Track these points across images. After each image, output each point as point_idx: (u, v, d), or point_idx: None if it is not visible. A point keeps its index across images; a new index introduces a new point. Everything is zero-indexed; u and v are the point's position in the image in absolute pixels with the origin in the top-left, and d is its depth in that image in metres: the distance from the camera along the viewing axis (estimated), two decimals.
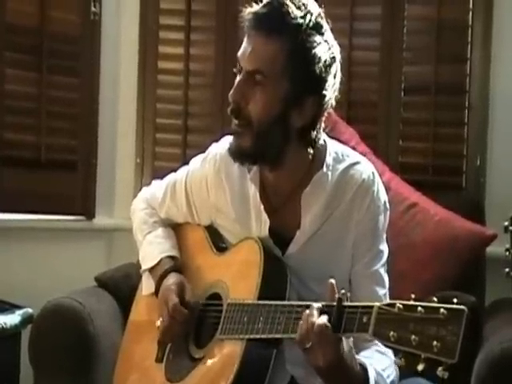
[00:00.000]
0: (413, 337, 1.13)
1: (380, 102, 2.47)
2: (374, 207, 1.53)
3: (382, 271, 1.53)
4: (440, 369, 1.11)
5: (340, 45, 1.49)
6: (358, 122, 2.34)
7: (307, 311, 1.28)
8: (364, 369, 1.32)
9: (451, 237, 2.03)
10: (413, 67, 2.45)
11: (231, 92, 1.46)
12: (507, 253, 1.45)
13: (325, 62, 1.43)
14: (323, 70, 1.43)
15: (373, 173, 1.55)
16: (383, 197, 1.55)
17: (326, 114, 1.50)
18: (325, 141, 1.55)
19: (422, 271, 2.01)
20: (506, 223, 1.45)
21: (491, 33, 2.36)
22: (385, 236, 1.56)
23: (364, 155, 1.64)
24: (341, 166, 1.53)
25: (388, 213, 1.57)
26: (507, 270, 1.44)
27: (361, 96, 2.46)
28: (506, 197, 2.27)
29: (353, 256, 1.52)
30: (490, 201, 2.31)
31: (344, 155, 1.56)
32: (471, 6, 2.38)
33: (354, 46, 2.44)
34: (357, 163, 1.55)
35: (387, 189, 1.63)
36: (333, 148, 1.56)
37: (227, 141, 1.59)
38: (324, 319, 1.25)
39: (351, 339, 1.30)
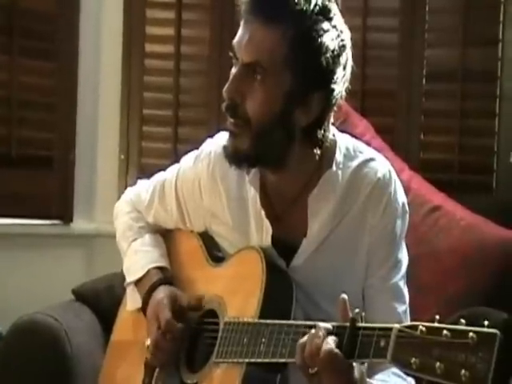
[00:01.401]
0: (438, 364, 1.13)
1: (399, 91, 2.48)
2: (391, 210, 1.52)
3: (402, 284, 1.53)
4: None
5: (353, 26, 1.50)
6: (374, 114, 2.36)
7: (312, 331, 1.28)
8: None
9: (480, 244, 2.04)
10: (436, 50, 2.47)
11: (226, 87, 1.45)
12: None
13: (333, 51, 1.42)
14: (331, 61, 1.42)
15: (389, 171, 1.55)
16: (401, 198, 1.55)
17: (334, 109, 1.50)
18: (334, 135, 1.55)
19: (446, 283, 2.02)
20: None
21: None
22: (404, 243, 1.56)
23: (380, 151, 1.63)
24: (353, 164, 1.53)
25: (407, 216, 1.56)
26: None
27: (377, 84, 2.48)
28: None
29: (367, 267, 1.52)
30: None
31: (356, 151, 1.55)
32: None
33: (368, 27, 2.45)
34: (371, 160, 1.54)
35: (407, 189, 1.63)
36: (344, 143, 1.55)
37: (222, 137, 1.59)
38: (332, 343, 1.25)
39: (365, 364, 1.30)
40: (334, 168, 1.51)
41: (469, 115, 2.43)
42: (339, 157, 1.52)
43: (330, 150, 1.52)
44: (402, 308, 1.51)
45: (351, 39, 1.47)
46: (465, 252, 2.03)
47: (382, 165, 1.54)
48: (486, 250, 2.03)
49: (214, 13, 2.57)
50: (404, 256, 1.55)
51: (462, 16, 2.42)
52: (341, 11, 1.46)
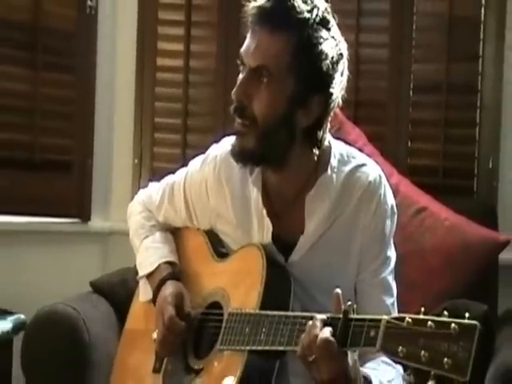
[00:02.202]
0: (423, 352, 1.13)
1: (388, 102, 2.48)
2: (381, 211, 1.52)
3: (390, 279, 1.53)
4: None
5: (346, 41, 1.49)
6: (366, 123, 2.35)
7: (310, 323, 1.28)
8: (369, 382, 1.32)
9: (462, 243, 2.03)
10: (423, 65, 2.45)
11: (234, 90, 1.45)
12: None
13: (332, 58, 1.43)
14: (330, 66, 1.43)
15: (380, 175, 1.55)
16: (390, 200, 1.55)
17: (332, 113, 1.50)
18: (330, 142, 1.55)
19: (432, 279, 2.01)
20: None
21: (504, 29, 2.37)
22: (392, 241, 1.56)
23: (371, 157, 1.63)
24: (346, 168, 1.53)
25: (396, 217, 1.56)
26: None
27: (368, 95, 2.46)
28: None
29: (359, 263, 1.52)
30: (502, 205, 2.32)
31: (350, 157, 1.55)
32: (483, 1, 2.39)
33: (361, 43, 2.44)
34: (363, 165, 1.55)
35: (395, 192, 1.63)
36: (338, 149, 1.55)
37: (227, 142, 1.59)
38: (327, 333, 1.25)
39: (356, 352, 1.29)
40: (329, 172, 1.51)
41: (452, 124, 2.42)
42: (334, 161, 1.52)
43: (325, 155, 1.52)
44: (390, 300, 1.51)
45: (348, 60, 1.47)
46: (449, 250, 2.02)
47: (373, 170, 1.54)
48: (469, 249, 2.02)
49: (220, 30, 2.57)
50: (392, 253, 1.55)
51: (446, 34, 2.41)
52: (337, 25, 1.46)
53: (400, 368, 1.43)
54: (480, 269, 2.02)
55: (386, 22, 2.47)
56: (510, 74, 2.37)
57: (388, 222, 1.53)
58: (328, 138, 1.54)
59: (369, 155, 1.64)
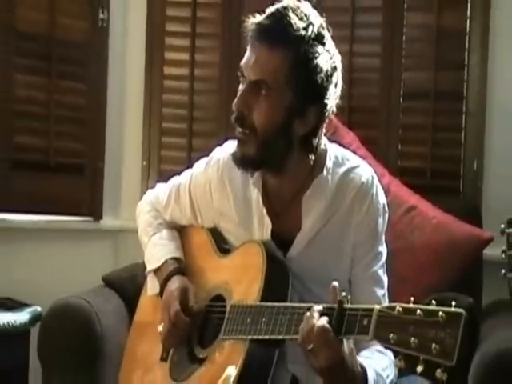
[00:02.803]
0: (412, 339, 1.13)
1: (380, 108, 2.47)
2: (373, 210, 1.52)
3: (381, 272, 1.53)
4: (439, 370, 1.11)
5: (341, 52, 1.49)
6: (359, 127, 2.34)
7: (308, 313, 1.28)
8: (364, 370, 1.32)
9: (449, 240, 2.03)
10: (412, 73, 2.45)
11: (235, 101, 1.45)
12: (503, 255, 1.45)
13: (326, 72, 1.43)
14: (325, 79, 1.42)
15: (372, 176, 1.55)
16: (382, 200, 1.55)
17: (327, 121, 1.50)
18: (325, 145, 1.55)
19: (421, 274, 2.00)
20: (503, 226, 1.45)
21: (488, 40, 2.36)
22: (384, 238, 1.56)
23: (364, 159, 1.63)
24: (340, 170, 1.53)
25: (387, 215, 1.57)
26: (504, 271, 1.44)
27: (361, 102, 2.46)
28: (502, 200, 2.27)
29: (352, 258, 1.52)
30: (486, 204, 2.31)
31: (344, 159, 1.55)
32: (469, 14, 2.38)
33: (354, 53, 2.44)
34: (356, 167, 1.55)
35: (387, 192, 1.63)
36: (333, 152, 1.55)
37: (230, 145, 1.59)
38: (324, 322, 1.25)
39: (352, 346, 1.29)
40: (325, 173, 1.51)
41: (439, 129, 2.41)
42: (329, 163, 1.52)
43: (321, 158, 1.52)
44: (381, 292, 1.52)
45: (342, 72, 1.48)
46: (436, 247, 2.02)
47: (366, 171, 1.55)
48: (455, 245, 2.02)
49: (223, 41, 2.56)
50: (384, 249, 1.55)
51: (434, 44, 2.40)
52: (332, 37, 1.46)
53: (392, 356, 1.43)
54: (466, 264, 2.02)
55: (378, 34, 2.47)
56: (493, 82, 2.36)
57: (380, 220, 1.54)
58: (324, 142, 1.54)
59: (362, 157, 1.64)
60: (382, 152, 2.36)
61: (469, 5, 2.37)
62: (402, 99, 2.44)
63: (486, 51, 2.36)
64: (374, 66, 2.47)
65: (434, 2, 2.40)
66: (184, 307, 1.55)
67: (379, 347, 1.42)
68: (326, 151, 1.54)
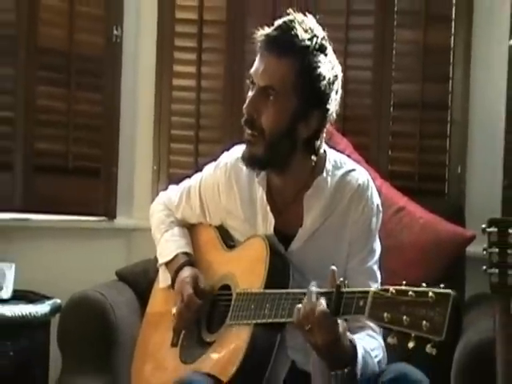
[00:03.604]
0: (404, 317, 1.14)
1: (372, 117, 2.46)
2: (368, 210, 1.54)
3: (375, 267, 1.54)
4: (429, 346, 1.12)
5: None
6: (352, 134, 2.33)
7: (306, 297, 1.29)
8: (353, 345, 1.33)
9: (435, 238, 2.03)
10: (401, 85, 2.45)
11: (245, 105, 1.47)
12: (485, 252, 1.45)
13: (328, 79, 1.45)
14: (327, 86, 1.45)
15: (368, 179, 1.56)
16: (376, 201, 1.56)
17: (328, 125, 1.51)
18: (325, 150, 1.57)
19: (409, 270, 1.98)
20: (484, 225, 1.45)
21: (470, 55, 2.37)
22: (377, 236, 1.57)
23: (357, 163, 1.64)
24: (339, 173, 1.55)
25: (381, 215, 1.58)
26: (485, 267, 1.44)
27: (354, 111, 2.45)
28: (484, 201, 2.28)
29: (348, 253, 1.53)
30: (469, 205, 2.31)
31: (342, 163, 1.57)
32: (453, 31, 2.39)
33: (348, 66, 2.42)
34: (353, 170, 1.56)
35: (378, 193, 1.64)
36: (332, 156, 1.57)
37: (236, 150, 1.61)
38: (324, 306, 1.26)
39: (345, 326, 1.30)
40: (325, 175, 1.53)
41: (426, 137, 2.41)
42: (328, 166, 1.54)
43: (321, 161, 1.54)
44: (375, 285, 1.52)
45: (342, 81, 1.50)
46: (423, 244, 2.02)
47: (362, 174, 1.57)
48: (440, 243, 2.02)
49: (227, 55, 2.56)
50: (377, 246, 1.56)
51: (421, 59, 2.41)
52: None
53: (382, 341, 1.44)
54: (450, 260, 2.02)
55: (370, 49, 2.47)
56: (475, 93, 2.37)
57: (374, 219, 1.55)
58: (324, 147, 1.56)
59: (355, 162, 1.65)
60: (374, 157, 2.36)
61: (453, 23, 2.38)
62: (392, 109, 2.44)
63: (468, 65, 2.37)
64: (366, 79, 2.47)
65: (421, 20, 2.40)
66: (196, 291, 1.57)
67: (370, 332, 1.43)
68: (325, 155, 1.56)
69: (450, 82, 2.39)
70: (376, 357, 1.40)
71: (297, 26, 1.44)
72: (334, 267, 1.32)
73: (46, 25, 2.41)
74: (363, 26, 2.48)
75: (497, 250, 1.40)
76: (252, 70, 1.48)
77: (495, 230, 1.40)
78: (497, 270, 1.40)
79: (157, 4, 2.60)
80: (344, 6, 2.46)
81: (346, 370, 1.29)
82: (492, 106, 2.33)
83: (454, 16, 2.38)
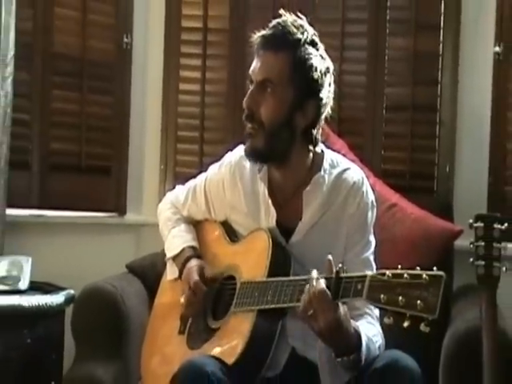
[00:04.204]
0: (400, 298, 1.15)
1: (366, 118, 2.47)
2: (364, 204, 1.54)
3: (371, 258, 1.55)
4: (422, 324, 1.13)
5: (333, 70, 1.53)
6: (348, 135, 2.34)
7: (308, 285, 1.29)
8: (358, 333, 1.33)
9: (425, 232, 2.02)
10: (393, 89, 2.45)
11: (245, 99, 1.48)
12: (471, 245, 1.46)
13: (320, 70, 1.47)
14: (320, 76, 1.46)
15: (362, 177, 1.57)
16: (371, 196, 1.57)
17: (323, 116, 1.51)
18: (322, 150, 1.58)
19: (401, 262, 1.91)
20: (471, 221, 1.46)
21: (458, 61, 2.37)
22: (372, 229, 1.57)
23: (352, 162, 1.65)
24: (335, 171, 1.55)
25: (375, 210, 1.58)
26: (471, 260, 1.46)
27: (349, 113, 2.45)
28: (471, 198, 2.28)
29: (346, 245, 1.53)
30: (457, 202, 2.31)
31: (338, 162, 1.58)
32: (441, 38, 2.39)
33: (344, 71, 2.44)
34: (348, 169, 1.57)
35: (372, 191, 1.64)
36: (329, 156, 1.58)
37: (239, 149, 1.62)
38: (323, 285, 1.26)
39: (346, 310, 1.30)
40: (322, 173, 1.54)
41: (417, 137, 2.41)
42: (326, 164, 1.55)
43: (319, 159, 1.55)
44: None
45: (333, 75, 1.52)
46: (414, 238, 2.02)
47: (357, 172, 1.58)
48: (430, 237, 2.02)
49: (230, 61, 2.57)
50: (373, 238, 1.57)
51: (412, 64, 2.41)
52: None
53: (380, 328, 1.44)
54: (439, 253, 2.00)
55: (364, 55, 2.47)
56: (463, 97, 2.37)
57: (369, 214, 1.56)
58: (321, 147, 1.57)
59: (350, 161, 1.65)
60: (368, 157, 2.36)
61: (441, 31, 2.38)
62: (384, 111, 2.44)
63: (456, 70, 2.37)
64: (361, 83, 2.47)
65: (411, 28, 2.41)
66: (202, 279, 1.57)
67: (370, 319, 1.44)
68: (323, 154, 1.57)
69: (439, 86, 2.40)
70: (376, 342, 1.40)
71: (289, 24, 1.46)
72: (329, 256, 1.32)
73: (61, 33, 2.42)
74: (357, 34, 2.49)
75: (483, 243, 1.42)
76: (250, 70, 1.50)
77: (481, 225, 1.43)
78: (483, 262, 1.42)
79: (164, 13, 2.61)
80: (340, 15, 2.47)
81: (351, 357, 1.30)
82: (478, 108, 2.34)
83: (442, 24, 2.39)
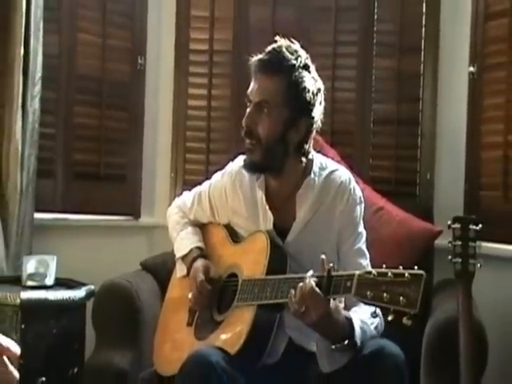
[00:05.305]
0: (384, 294, 1.16)
1: (356, 131, 2.47)
2: (352, 201, 1.54)
3: (364, 247, 1.55)
4: (405, 318, 1.13)
5: (324, 88, 1.53)
6: (339, 146, 2.33)
7: (300, 284, 1.30)
8: (349, 320, 1.33)
9: (409, 233, 2.03)
10: (380, 105, 2.45)
11: (244, 119, 1.49)
12: (450, 244, 1.47)
13: (312, 92, 1.47)
14: (312, 97, 1.47)
15: (349, 177, 1.58)
16: (358, 193, 1.57)
17: (314, 131, 1.52)
18: (312, 155, 1.58)
19: (387, 259, 1.93)
20: (449, 222, 1.47)
21: (437, 80, 2.38)
22: (362, 222, 1.57)
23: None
24: (324, 173, 1.56)
25: (363, 205, 1.57)
26: (450, 257, 1.46)
27: (341, 126, 2.46)
28: (449, 202, 2.28)
29: (339, 240, 1.53)
30: (437, 205, 2.31)
31: (327, 164, 1.59)
32: (422, 60, 2.40)
33: (335, 89, 2.45)
34: (336, 170, 1.58)
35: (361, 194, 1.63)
36: (318, 159, 1.59)
37: (239, 159, 1.63)
38: (312, 282, 1.26)
39: (342, 303, 1.31)
40: (312, 175, 1.55)
41: (401, 148, 2.41)
42: (315, 168, 1.56)
43: (309, 164, 1.56)
44: (366, 262, 1.53)
45: (324, 94, 1.52)
46: (399, 238, 2.02)
47: (343, 173, 1.58)
48: (413, 237, 2.02)
49: (233, 80, 2.57)
50: (363, 230, 1.56)
51: (396, 83, 2.42)
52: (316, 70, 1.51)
53: (378, 309, 1.44)
54: (421, 252, 2.00)
55: (354, 74, 2.48)
56: (442, 112, 2.37)
57: (358, 208, 1.55)
58: (312, 153, 1.57)
59: None
60: (358, 165, 2.35)
61: (422, 53, 2.39)
62: (372, 125, 2.44)
63: (435, 88, 2.37)
64: (351, 99, 2.48)
65: (396, 50, 2.41)
66: (207, 278, 1.57)
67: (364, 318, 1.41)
68: (313, 159, 1.57)
69: (420, 102, 2.40)
70: (372, 323, 1.39)
71: (284, 49, 1.47)
72: (323, 256, 1.32)
73: (83, 56, 2.44)
74: (348, 55, 2.50)
75: (460, 242, 1.43)
76: (248, 91, 1.51)
77: (459, 226, 1.44)
78: (460, 260, 1.43)
79: (174, 37, 2.62)
80: (331, 37, 2.48)
81: (345, 343, 1.30)
82: (455, 122, 2.33)
83: (423, 48, 2.40)
